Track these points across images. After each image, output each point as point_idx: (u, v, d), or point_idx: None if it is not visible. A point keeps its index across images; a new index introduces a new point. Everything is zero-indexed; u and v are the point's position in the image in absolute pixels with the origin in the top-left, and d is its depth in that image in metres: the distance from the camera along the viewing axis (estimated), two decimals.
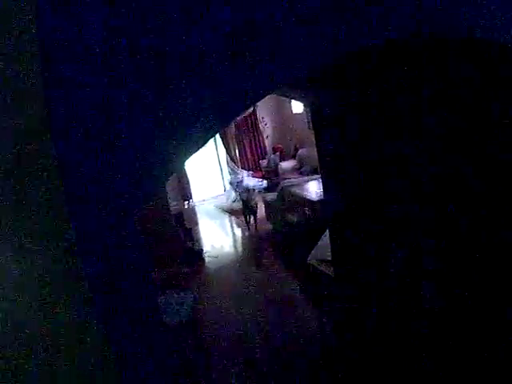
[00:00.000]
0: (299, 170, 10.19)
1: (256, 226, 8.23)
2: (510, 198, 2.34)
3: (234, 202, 10.19)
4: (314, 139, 3.93)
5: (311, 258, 5.27)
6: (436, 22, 1.80)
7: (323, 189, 4.20)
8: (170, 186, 8.43)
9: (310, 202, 6.67)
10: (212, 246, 7.86)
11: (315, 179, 7.42)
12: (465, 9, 1.84)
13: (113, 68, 1.41)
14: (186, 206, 10.50)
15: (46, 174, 1.34)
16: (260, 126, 11.71)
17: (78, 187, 1.40)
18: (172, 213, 7.00)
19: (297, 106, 10.28)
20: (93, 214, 1.44)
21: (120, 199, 1.49)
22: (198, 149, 1.63)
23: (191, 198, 11.05)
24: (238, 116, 8.39)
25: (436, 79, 2.52)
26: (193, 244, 7.58)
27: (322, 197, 5.11)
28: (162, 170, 1.58)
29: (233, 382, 3.82)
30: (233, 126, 11.03)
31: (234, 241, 8.47)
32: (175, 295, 4.38)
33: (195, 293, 4.70)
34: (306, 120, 9.85)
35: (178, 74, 1.48)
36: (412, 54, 2.46)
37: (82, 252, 1.42)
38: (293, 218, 6.85)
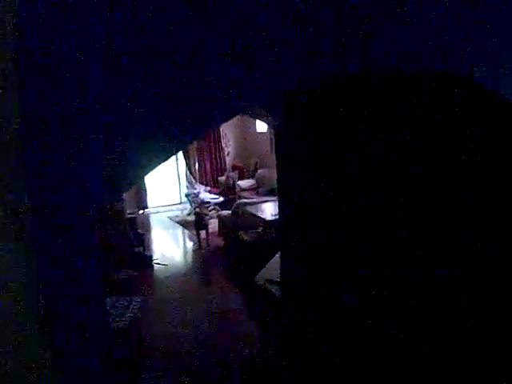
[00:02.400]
0: (256, 190, 10.26)
1: (208, 240, 8.26)
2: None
3: (189, 214, 10.17)
4: (275, 160, 4.01)
5: (259, 277, 5.34)
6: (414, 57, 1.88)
7: (279, 209, 4.27)
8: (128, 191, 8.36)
9: (264, 223, 6.77)
10: (162, 254, 7.82)
11: (272, 201, 7.54)
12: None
13: (81, 76, 1.46)
14: (140, 212, 10.42)
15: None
16: (222, 142, 11.77)
17: (42, 192, 1.44)
18: (126, 217, 6.95)
19: (261, 125, 10.32)
20: (53, 218, 1.48)
21: (82, 207, 1.54)
22: (162, 162, 1.70)
23: (147, 205, 10.96)
24: (204, 134, 8.40)
25: (408, 118, 2.62)
26: (143, 249, 7.53)
27: (277, 218, 5.20)
28: (126, 180, 1.64)
29: None
30: None
31: (185, 252, 8.44)
32: (121, 299, 4.36)
33: (141, 298, 4.68)
34: (269, 140, 9.91)
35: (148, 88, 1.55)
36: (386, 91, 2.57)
37: (39, 253, 1.46)
38: (245, 236, 6.92)
